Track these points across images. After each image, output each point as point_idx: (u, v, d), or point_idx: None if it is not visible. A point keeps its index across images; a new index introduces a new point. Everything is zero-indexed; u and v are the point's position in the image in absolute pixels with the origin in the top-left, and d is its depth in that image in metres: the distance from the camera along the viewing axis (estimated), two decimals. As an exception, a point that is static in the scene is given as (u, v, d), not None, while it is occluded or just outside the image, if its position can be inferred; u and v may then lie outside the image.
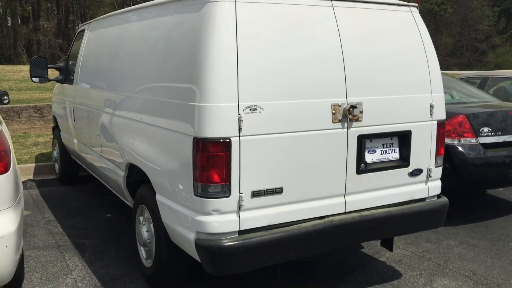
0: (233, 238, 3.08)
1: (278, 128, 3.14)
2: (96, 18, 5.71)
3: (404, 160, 3.72)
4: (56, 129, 7.28)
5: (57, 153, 7.21)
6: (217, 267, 3.11)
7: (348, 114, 3.36)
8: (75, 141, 6.03)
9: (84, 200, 6.39)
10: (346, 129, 3.39)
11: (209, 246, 3.04)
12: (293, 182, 3.24)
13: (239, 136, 3.01)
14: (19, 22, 36.24)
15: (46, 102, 11.19)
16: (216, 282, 4.00)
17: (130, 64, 4.19)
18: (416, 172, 3.77)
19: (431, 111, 3.78)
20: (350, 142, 3.42)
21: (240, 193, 3.06)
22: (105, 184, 5.35)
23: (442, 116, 3.89)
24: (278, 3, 3.21)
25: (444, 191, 4.04)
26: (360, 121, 3.44)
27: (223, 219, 3.06)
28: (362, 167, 3.50)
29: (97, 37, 5.41)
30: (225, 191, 3.03)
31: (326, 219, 3.38)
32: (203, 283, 4.00)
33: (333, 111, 3.32)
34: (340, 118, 3.35)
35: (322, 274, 4.22)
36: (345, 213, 3.48)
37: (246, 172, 3.07)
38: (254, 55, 3.06)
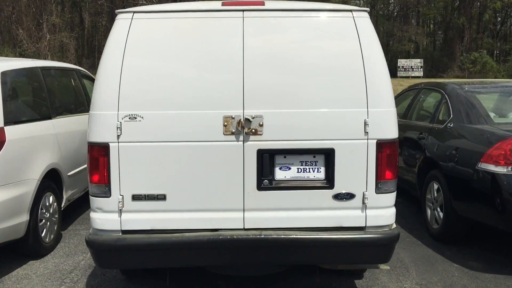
0: (113, 236, 3.32)
1: (160, 137, 3.27)
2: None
3: (328, 181, 3.36)
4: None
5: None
6: (98, 260, 3.39)
7: (241, 127, 3.25)
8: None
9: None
10: (241, 143, 3.28)
11: (92, 241, 3.34)
12: (178, 191, 3.30)
13: (118, 142, 3.26)
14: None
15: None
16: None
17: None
18: (345, 197, 3.35)
19: (365, 128, 3.31)
20: (247, 156, 3.29)
21: (120, 194, 3.30)
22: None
23: (387, 135, 3.35)
24: (176, 17, 3.36)
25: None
26: (260, 134, 3.28)
27: (105, 217, 3.33)
28: (265, 183, 3.32)
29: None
30: (106, 192, 3.30)
31: (216, 233, 3.32)
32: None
33: (225, 123, 3.26)
34: (233, 130, 3.27)
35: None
36: (243, 229, 3.35)
37: (125, 175, 3.28)
38: (139, 69, 3.27)
